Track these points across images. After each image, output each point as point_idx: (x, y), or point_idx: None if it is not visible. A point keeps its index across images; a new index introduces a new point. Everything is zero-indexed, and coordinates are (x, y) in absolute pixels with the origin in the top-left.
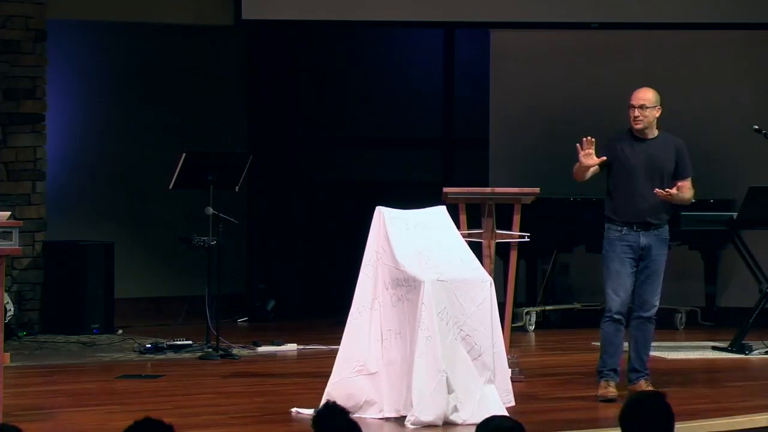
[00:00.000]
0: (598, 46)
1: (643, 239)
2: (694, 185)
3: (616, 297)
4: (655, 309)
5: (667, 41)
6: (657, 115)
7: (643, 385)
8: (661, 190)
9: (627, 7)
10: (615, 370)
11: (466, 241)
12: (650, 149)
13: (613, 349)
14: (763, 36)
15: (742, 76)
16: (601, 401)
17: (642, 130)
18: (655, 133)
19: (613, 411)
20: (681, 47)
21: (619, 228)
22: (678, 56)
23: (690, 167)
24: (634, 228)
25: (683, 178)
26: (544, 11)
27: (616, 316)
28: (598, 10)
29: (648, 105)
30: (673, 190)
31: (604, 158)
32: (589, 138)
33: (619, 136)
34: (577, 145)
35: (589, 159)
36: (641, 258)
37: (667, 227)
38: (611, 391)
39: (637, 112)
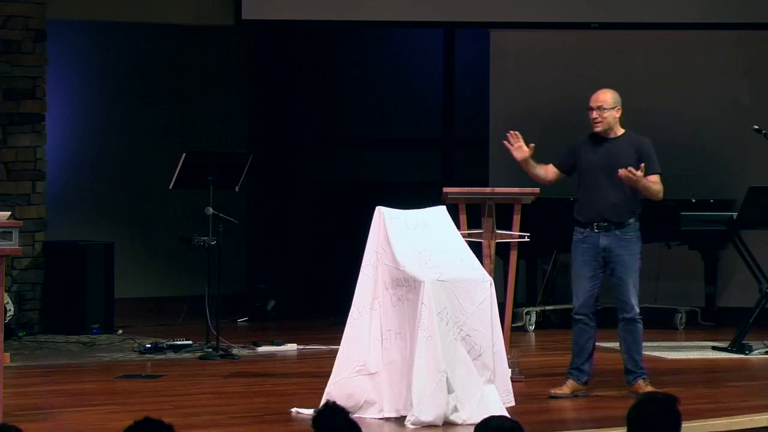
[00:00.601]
0: (598, 46)
1: (603, 240)
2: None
3: (576, 299)
4: (635, 309)
5: (667, 41)
6: (617, 115)
7: (642, 385)
8: (624, 170)
9: (627, 7)
10: (579, 370)
11: (466, 241)
12: (611, 149)
13: (577, 348)
14: (763, 36)
15: (742, 75)
16: (548, 397)
17: (602, 132)
18: (618, 133)
19: (614, 411)
20: (681, 47)
21: (582, 230)
22: (678, 56)
23: (656, 164)
24: (595, 229)
25: (650, 174)
26: (544, 11)
27: (576, 317)
28: (598, 10)
29: (606, 107)
30: (639, 173)
31: (533, 145)
32: (513, 132)
33: (583, 139)
34: (505, 142)
35: (519, 152)
36: (606, 260)
37: (632, 227)
38: (562, 389)
39: (595, 114)
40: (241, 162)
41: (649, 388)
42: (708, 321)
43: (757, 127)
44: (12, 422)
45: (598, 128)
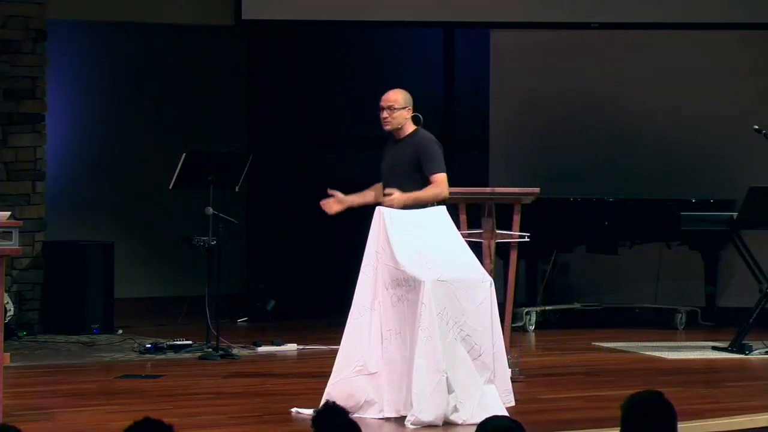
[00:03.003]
0: (598, 46)
1: None
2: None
3: None
4: None
5: (668, 41)
6: (407, 116)
7: None
8: (388, 199)
9: (627, 7)
10: None
11: (466, 241)
12: (397, 149)
13: None
14: (763, 36)
15: (743, 75)
16: None
17: (392, 131)
18: (407, 132)
19: (614, 411)
20: (681, 47)
21: None
22: (678, 56)
23: (433, 164)
24: None
25: (428, 174)
26: (544, 11)
27: None
28: (598, 10)
29: (396, 106)
30: (390, 198)
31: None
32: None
33: (389, 140)
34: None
35: (337, 205)
36: None
37: None
38: None
39: (385, 114)
40: (241, 162)
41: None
42: (708, 321)
43: (757, 127)
44: (12, 422)
45: (387, 127)
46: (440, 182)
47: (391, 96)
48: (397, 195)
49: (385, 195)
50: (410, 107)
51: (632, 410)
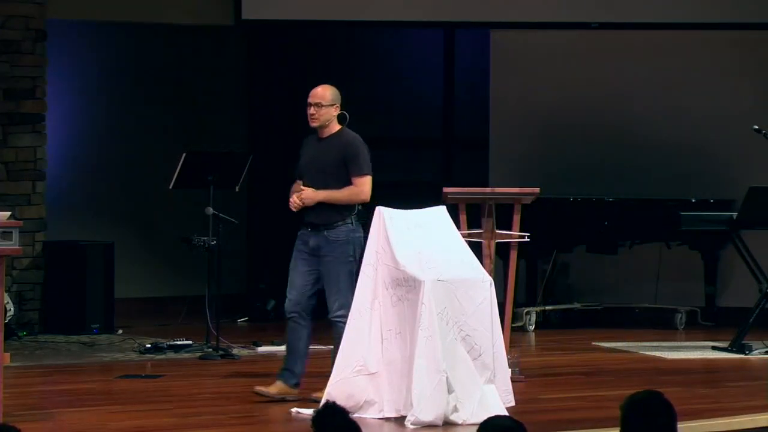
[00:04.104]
0: (598, 46)
1: (313, 240)
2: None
3: (287, 296)
4: (334, 312)
5: (668, 41)
6: (335, 113)
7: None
8: (295, 198)
9: (627, 7)
10: (288, 370)
11: (466, 241)
12: (322, 148)
13: (289, 348)
14: (763, 36)
15: (743, 76)
16: (252, 391)
17: (318, 128)
18: (333, 131)
19: (614, 411)
20: (681, 47)
21: (301, 227)
22: (678, 56)
23: (360, 166)
24: (309, 228)
25: (351, 176)
26: (544, 11)
27: (288, 315)
28: (598, 10)
29: (324, 103)
30: (299, 199)
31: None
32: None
33: (310, 137)
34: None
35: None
36: (318, 260)
37: (343, 228)
38: (268, 389)
39: (312, 110)
40: (241, 162)
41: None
42: (708, 321)
43: (757, 127)
44: (12, 422)
45: (314, 124)
46: (361, 184)
47: (320, 92)
48: (309, 191)
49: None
50: (338, 105)
51: (632, 410)
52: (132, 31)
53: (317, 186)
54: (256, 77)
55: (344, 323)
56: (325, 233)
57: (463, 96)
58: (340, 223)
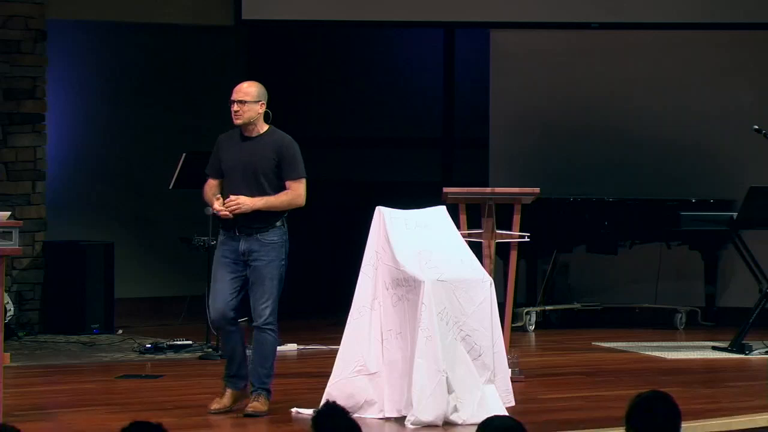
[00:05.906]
0: (598, 46)
1: (244, 244)
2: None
3: (212, 306)
4: (266, 318)
5: (668, 41)
6: (261, 111)
7: (253, 401)
8: (221, 206)
9: (627, 7)
10: (234, 377)
11: (466, 241)
12: (250, 148)
13: (228, 356)
14: (763, 36)
15: (743, 76)
16: (208, 413)
17: (243, 127)
18: (261, 130)
19: (614, 411)
20: (681, 47)
21: (224, 231)
22: (678, 56)
23: (296, 168)
24: (236, 232)
25: (287, 179)
26: (544, 11)
27: (215, 327)
28: (598, 10)
29: (249, 100)
30: (228, 208)
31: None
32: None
33: (229, 135)
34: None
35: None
36: (246, 264)
37: (276, 231)
38: (221, 402)
39: (236, 107)
40: None
41: (262, 407)
42: (708, 321)
43: (757, 127)
44: (12, 422)
45: (238, 122)
46: (297, 188)
47: (245, 88)
48: (244, 199)
49: (229, 198)
50: (264, 102)
51: (637, 409)
52: (132, 31)
53: (251, 189)
54: (256, 77)
55: (275, 332)
56: (258, 236)
57: (463, 96)
58: (274, 226)
